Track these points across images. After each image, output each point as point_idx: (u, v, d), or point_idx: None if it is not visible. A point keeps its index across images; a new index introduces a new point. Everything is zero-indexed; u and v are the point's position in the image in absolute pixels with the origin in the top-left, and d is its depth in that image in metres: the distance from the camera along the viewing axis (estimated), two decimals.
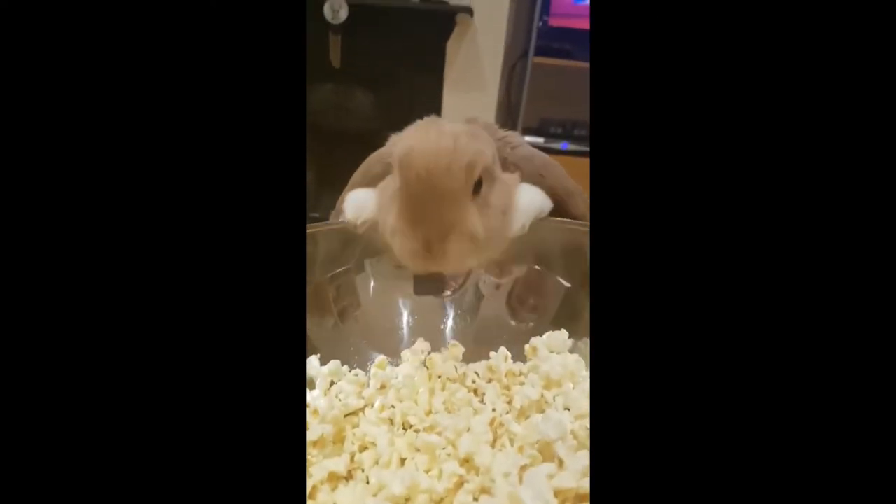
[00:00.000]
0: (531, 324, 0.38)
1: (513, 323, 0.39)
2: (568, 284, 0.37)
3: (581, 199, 0.36)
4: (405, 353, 0.36)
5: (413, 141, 0.30)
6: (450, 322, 0.40)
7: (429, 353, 0.37)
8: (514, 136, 0.37)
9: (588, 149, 1.78)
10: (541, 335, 0.37)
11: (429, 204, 0.29)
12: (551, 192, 0.35)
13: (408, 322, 0.40)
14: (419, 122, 0.34)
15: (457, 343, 0.36)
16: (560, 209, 0.35)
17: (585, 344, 0.36)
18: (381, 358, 0.37)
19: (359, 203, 0.35)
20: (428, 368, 0.35)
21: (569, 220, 0.36)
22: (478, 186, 0.30)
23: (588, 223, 0.35)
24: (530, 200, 0.33)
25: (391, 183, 0.32)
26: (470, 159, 0.29)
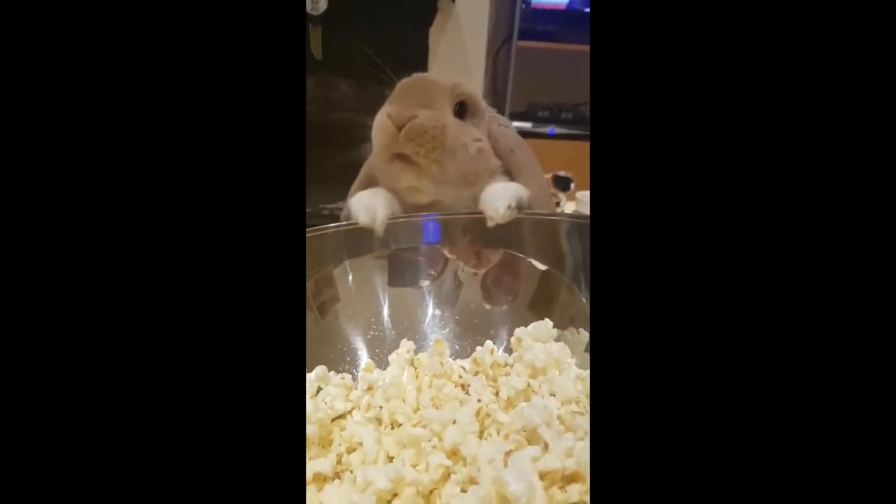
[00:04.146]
0: (505, 307, 0.39)
1: (487, 306, 0.40)
2: (542, 267, 0.37)
3: (540, 186, 0.38)
4: (392, 357, 0.37)
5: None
6: (430, 311, 0.40)
7: (415, 352, 0.37)
8: (502, 118, 0.39)
9: (575, 132, 1.79)
10: (518, 319, 0.37)
11: (415, 90, 0.33)
12: (516, 168, 0.37)
13: (388, 314, 0.40)
14: None
15: (441, 339, 0.37)
16: None
17: (571, 333, 0.36)
18: (367, 361, 0.37)
19: (368, 204, 0.36)
20: (415, 368, 0.35)
21: (542, 211, 0.37)
22: (462, 111, 0.34)
23: (561, 214, 0.37)
24: (515, 188, 0.35)
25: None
26: (457, 82, 0.34)
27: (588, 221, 0.35)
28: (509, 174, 0.37)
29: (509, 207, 0.33)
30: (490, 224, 0.34)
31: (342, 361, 0.38)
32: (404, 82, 0.34)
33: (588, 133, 1.75)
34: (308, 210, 0.43)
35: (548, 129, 1.79)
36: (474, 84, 1.55)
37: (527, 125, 1.80)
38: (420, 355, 0.36)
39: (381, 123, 0.33)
